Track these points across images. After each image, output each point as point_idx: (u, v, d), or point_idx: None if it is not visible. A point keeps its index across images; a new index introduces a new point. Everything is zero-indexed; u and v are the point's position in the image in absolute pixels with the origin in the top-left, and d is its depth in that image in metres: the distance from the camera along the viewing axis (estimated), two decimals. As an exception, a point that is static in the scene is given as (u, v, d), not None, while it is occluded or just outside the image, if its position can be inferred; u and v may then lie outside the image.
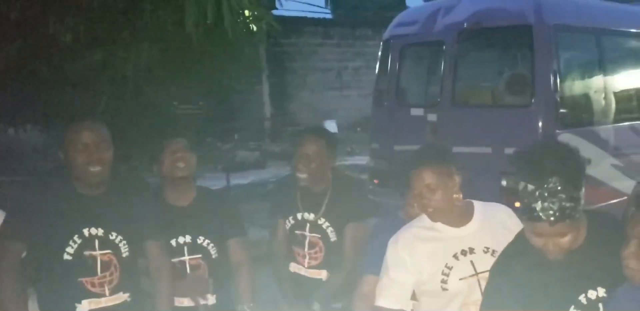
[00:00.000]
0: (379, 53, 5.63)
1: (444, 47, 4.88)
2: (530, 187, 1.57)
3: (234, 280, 2.42)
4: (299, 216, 2.59)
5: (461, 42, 4.79)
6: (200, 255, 2.38)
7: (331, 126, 14.58)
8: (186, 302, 2.37)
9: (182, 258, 2.36)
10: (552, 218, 1.55)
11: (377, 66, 5.68)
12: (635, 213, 1.41)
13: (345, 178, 2.65)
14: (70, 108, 4.72)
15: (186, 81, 5.82)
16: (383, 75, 5.57)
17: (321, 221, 2.55)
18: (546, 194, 1.54)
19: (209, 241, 2.39)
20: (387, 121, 5.55)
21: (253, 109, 12.13)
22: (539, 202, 1.55)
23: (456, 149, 4.87)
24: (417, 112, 5.23)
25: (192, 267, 2.37)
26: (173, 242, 2.36)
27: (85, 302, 2.10)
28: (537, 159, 1.60)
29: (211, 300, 2.39)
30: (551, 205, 1.55)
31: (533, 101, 4.45)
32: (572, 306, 1.69)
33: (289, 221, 2.61)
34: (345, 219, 2.53)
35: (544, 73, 4.39)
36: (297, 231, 2.60)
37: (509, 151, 4.17)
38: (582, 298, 1.69)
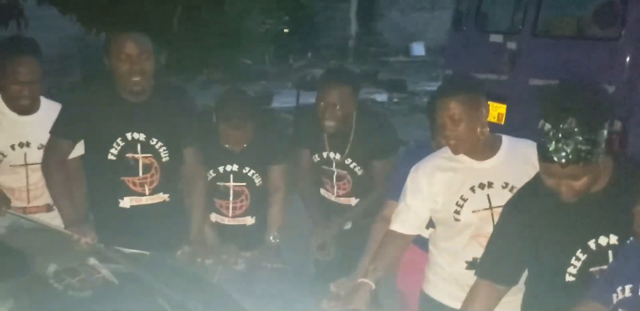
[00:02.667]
0: (464, -27, 5.32)
1: (532, -30, 4.53)
2: (548, 126, 1.51)
3: (268, 205, 2.53)
4: (324, 154, 2.61)
5: (551, -35, 4.43)
6: (244, 183, 2.51)
7: (418, 48, 14.16)
8: (227, 220, 2.53)
9: (227, 184, 2.49)
10: (563, 160, 1.50)
11: (461, -13, 5.39)
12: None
13: (366, 117, 2.60)
14: (147, 17, 4.86)
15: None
16: (465, -3, 5.30)
17: (348, 161, 2.58)
18: (560, 135, 1.48)
19: (254, 172, 2.50)
20: (463, 46, 5.34)
21: (338, 27, 11.90)
22: (553, 142, 1.50)
23: (532, 82, 4.67)
24: (496, 39, 4.99)
25: (235, 193, 2.50)
26: (221, 169, 2.48)
27: (127, 199, 2.29)
28: (558, 98, 1.52)
29: (250, 221, 2.55)
30: (565, 146, 1.49)
31: (623, 33, 4.12)
32: (579, 250, 1.66)
33: (316, 157, 2.64)
34: (370, 156, 2.54)
35: (638, 2, 4.02)
36: (324, 166, 2.64)
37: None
38: (591, 243, 1.66)
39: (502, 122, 4.80)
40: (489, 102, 4.96)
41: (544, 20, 4.65)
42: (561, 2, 4.92)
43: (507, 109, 4.78)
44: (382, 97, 9.75)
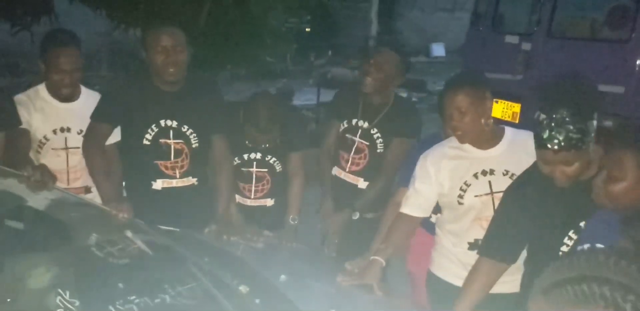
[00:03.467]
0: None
1: (548, -28, 4.67)
2: (542, 116, 1.68)
3: (287, 189, 2.73)
4: (353, 121, 2.77)
5: (566, -32, 4.56)
6: (266, 169, 2.71)
7: (438, 49, 14.26)
8: (249, 202, 2.74)
9: (250, 169, 2.69)
10: (556, 147, 1.66)
11: (479, -12, 5.54)
12: (611, 147, 1.50)
13: (404, 99, 2.81)
14: (176, 15, 5.07)
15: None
16: (484, -2, 5.45)
17: (374, 130, 2.73)
18: (553, 124, 1.65)
19: (276, 159, 2.71)
20: (480, 46, 5.49)
21: (358, 26, 12.06)
22: (547, 131, 1.66)
23: (546, 82, 4.80)
24: (511, 39, 5.13)
25: (257, 177, 2.70)
26: (245, 156, 2.68)
27: (159, 181, 2.50)
28: (551, 91, 1.69)
29: (270, 202, 2.76)
30: (557, 135, 1.65)
31: (633, 36, 4.24)
32: (572, 231, 1.82)
33: (344, 124, 2.80)
34: (394, 132, 2.69)
35: (650, 6, 4.14)
36: (347, 135, 2.79)
37: (602, 88, 4.07)
38: (582, 224, 1.81)
39: (517, 121, 4.94)
40: (505, 101, 5.11)
41: (558, 22, 4.78)
42: (575, 4, 5.04)
43: (522, 108, 4.92)
44: (401, 96, 9.90)
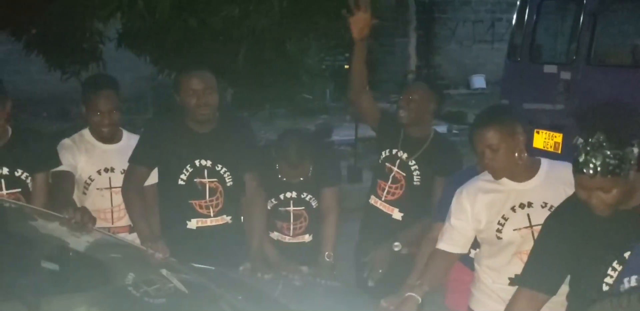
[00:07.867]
0: (517, 5, 5.47)
1: (584, 1, 4.64)
2: (580, 141, 1.64)
3: (322, 226, 2.73)
4: (393, 151, 2.77)
5: (602, -4, 4.52)
6: (303, 207, 2.74)
7: (479, 80, 14.18)
8: (287, 239, 2.76)
9: (288, 209, 2.73)
10: (591, 171, 1.61)
11: (514, 19, 5.53)
12: None
13: (443, 136, 2.86)
14: (214, 57, 5.22)
15: (322, 33, 6.05)
16: (519, 29, 5.43)
17: (412, 162, 2.73)
18: (589, 148, 1.61)
19: (311, 196, 2.73)
20: (519, 77, 5.44)
21: (397, 61, 12.14)
22: (583, 155, 1.62)
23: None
24: (550, 69, 5.08)
25: (295, 216, 2.73)
26: (281, 196, 2.72)
27: (194, 220, 2.53)
28: (588, 115, 1.66)
29: (308, 238, 2.77)
30: (593, 159, 1.60)
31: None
32: (615, 262, 1.74)
33: (385, 153, 2.80)
34: (437, 172, 2.68)
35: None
36: (387, 164, 2.79)
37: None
38: (627, 254, 1.74)
39: (560, 151, 4.84)
40: (546, 132, 5.02)
41: (598, 49, 4.71)
42: (614, 31, 4.97)
43: (564, 138, 4.82)
44: (441, 128, 9.86)
